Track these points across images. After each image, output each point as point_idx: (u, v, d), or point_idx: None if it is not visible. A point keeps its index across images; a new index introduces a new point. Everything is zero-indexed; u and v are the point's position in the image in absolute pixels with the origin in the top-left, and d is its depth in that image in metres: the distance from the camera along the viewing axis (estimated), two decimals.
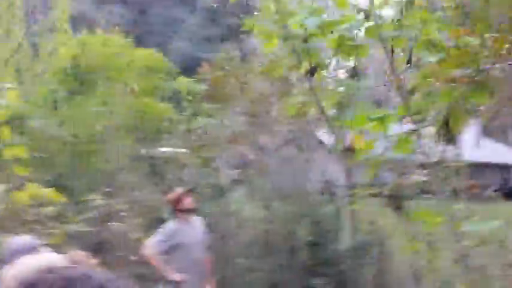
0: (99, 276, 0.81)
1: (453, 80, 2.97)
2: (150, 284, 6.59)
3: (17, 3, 9.34)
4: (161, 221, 5.91)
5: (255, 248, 7.21)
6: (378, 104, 8.10)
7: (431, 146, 5.32)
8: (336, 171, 7.32)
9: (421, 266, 5.20)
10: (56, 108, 8.17)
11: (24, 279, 0.77)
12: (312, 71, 3.76)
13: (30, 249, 2.21)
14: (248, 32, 3.98)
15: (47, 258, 1.86)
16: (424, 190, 5.37)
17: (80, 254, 2.45)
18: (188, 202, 4.87)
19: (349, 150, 3.76)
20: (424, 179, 4.95)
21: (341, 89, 3.95)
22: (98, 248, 7.17)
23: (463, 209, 4.54)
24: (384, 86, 7.38)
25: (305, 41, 3.65)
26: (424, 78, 3.15)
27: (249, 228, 7.64)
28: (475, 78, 2.87)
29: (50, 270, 0.79)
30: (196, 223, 4.99)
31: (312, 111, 4.75)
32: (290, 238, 6.98)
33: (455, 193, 4.98)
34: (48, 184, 6.76)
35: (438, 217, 2.97)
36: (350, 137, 3.89)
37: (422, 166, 4.59)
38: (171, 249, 4.72)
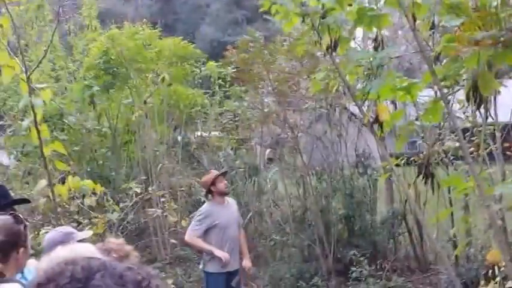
0: (120, 265, 0.80)
1: (476, 43, 2.89)
2: (191, 264, 6.83)
3: (46, 5, 9.60)
4: (199, 204, 6.08)
5: (289, 224, 7.30)
6: (409, 72, 7.92)
7: (464, 111, 5.21)
8: (369, 143, 7.26)
9: (456, 232, 5.15)
10: (92, 103, 8.43)
11: (47, 270, 0.78)
12: (333, 46, 3.74)
13: (68, 240, 2.31)
14: (270, 13, 3.98)
15: (76, 248, 1.90)
16: (457, 156, 5.28)
17: (113, 242, 2.45)
18: (222, 185, 5.00)
19: (377, 122, 3.74)
20: (457, 144, 4.87)
21: (365, 60, 3.90)
22: (138, 234, 7.45)
23: (497, 172, 4.44)
24: (414, 54, 7.20)
25: (323, 16, 3.63)
26: (448, 43, 3.08)
27: (283, 204, 7.73)
28: (500, 39, 2.79)
29: (72, 261, 0.79)
30: (231, 204, 5.14)
31: (338, 86, 4.73)
32: (324, 212, 7.03)
33: (489, 156, 4.87)
34: (88, 175, 7.06)
35: (469, 183, 2.93)
36: (376, 109, 3.86)
37: (454, 132, 4.51)
38: (208, 230, 4.91)
